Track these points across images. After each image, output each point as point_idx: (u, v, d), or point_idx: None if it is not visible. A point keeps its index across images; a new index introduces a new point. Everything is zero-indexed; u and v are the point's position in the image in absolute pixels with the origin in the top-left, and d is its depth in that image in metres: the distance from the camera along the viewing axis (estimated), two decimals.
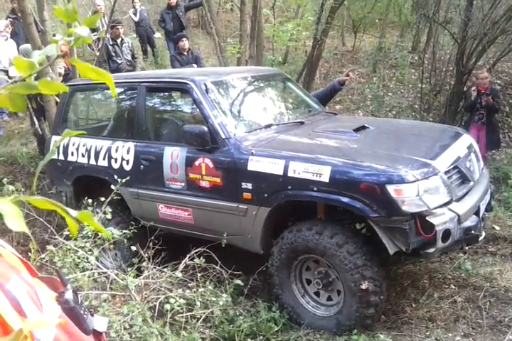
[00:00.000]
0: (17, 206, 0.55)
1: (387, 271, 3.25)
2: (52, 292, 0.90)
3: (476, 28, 6.10)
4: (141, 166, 3.60)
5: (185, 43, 7.02)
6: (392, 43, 9.86)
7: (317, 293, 3.12)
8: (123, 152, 3.70)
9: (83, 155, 3.94)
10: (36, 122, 5.89)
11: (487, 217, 3.60)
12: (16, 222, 0.54)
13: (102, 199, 3.35)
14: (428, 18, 7.15)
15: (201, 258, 3.02)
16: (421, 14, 7.30)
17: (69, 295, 0.89)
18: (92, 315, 0.94)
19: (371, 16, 10.68)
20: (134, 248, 3.24)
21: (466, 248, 3.43)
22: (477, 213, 3.00)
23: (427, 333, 2.96)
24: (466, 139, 3.49)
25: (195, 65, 6.91)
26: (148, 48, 9.71)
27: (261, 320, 2.99)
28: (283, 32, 8.48)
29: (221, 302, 2.89)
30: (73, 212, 0.63)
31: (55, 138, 4.19)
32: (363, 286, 2.76)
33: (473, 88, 5.47)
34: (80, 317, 0.88)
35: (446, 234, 2.69)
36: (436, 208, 2.72)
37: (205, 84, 3.44)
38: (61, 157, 4.09)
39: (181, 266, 3.04)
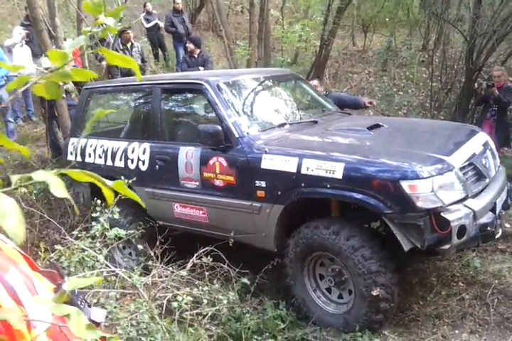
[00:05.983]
0: (59, 178, 0.67)
1: (400, 270, 3.23)
2: (52, 284, 0.94)
3: (486, 25, 6.08)
4: (157, 166, 3.65)
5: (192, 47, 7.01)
6: (402, 42, 9.84)
7: (329, 290, 3.12)
8: (139, 153, 3.76)
9: (100, 157, 4.00)
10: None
11: (504, 215, 3.56)
12: (60, 190, 0.65)
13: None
14: (437, 16, 7.15)
15: (209, 257, 3.00)
16: (430, 12, 7.29)
17: (66, 286, 0.92)
18: (90, 306, 0.97)
19: (381, 15, 10.68)
20: (140, 247, 3.29)
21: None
22: (493, 210, 2.97)
23: (434, 330, 2.94)
24: (482, 137, 3.47)
25: (201, 68, 6.89)
26: (160, 52, 9.79)
27: (268, 317, 2.99)
28: (291, 33, 8.52)
29: (226, 301, 2.88)
30: (109, 182, 0.72)
31: (72, 140, 4.26)
32: (374, 293, 2.73)
33: (484, 83, 5.40)
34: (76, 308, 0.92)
35: (462, 230, 2.66)
36: (451, 204, 2.70)
37: (219, 85, 3.48)
38: (78, 158, 4.16)
39: (189, 265, 3.05)
